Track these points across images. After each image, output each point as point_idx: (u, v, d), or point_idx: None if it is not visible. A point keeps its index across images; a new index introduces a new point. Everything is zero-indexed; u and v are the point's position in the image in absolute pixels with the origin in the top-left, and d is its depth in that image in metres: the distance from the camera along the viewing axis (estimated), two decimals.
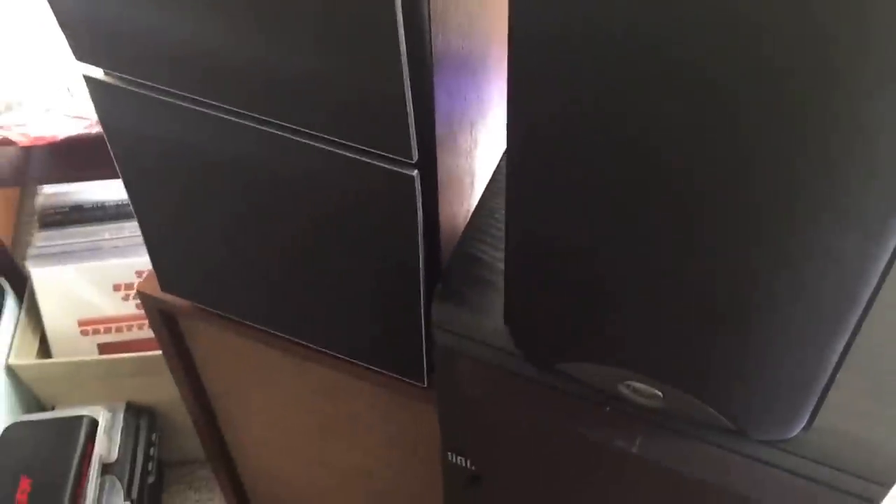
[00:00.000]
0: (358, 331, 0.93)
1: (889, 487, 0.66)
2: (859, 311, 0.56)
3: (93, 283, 1.53)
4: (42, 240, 1.53)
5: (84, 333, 1.56)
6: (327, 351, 0.97)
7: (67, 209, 1.57)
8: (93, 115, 1.31)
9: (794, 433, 0.66)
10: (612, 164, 0.54)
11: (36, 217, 1.57)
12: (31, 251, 1.53)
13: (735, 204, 0.51)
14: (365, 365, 0.96)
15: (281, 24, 0.66)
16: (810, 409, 0.64)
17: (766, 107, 0.46)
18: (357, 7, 0.62)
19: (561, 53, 0.51)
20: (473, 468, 0.84)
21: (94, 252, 1.53)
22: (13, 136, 1.34)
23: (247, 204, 0.84)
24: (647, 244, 0.58)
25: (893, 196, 0.47)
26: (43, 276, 1.51)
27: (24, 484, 1.33)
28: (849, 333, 0.58)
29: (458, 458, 0.85)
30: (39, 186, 1.60)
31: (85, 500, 1.35)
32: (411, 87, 0.67)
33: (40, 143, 1.36)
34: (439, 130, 0.74)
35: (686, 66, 0.46)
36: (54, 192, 1.59)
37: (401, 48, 0.63)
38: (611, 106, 0.51)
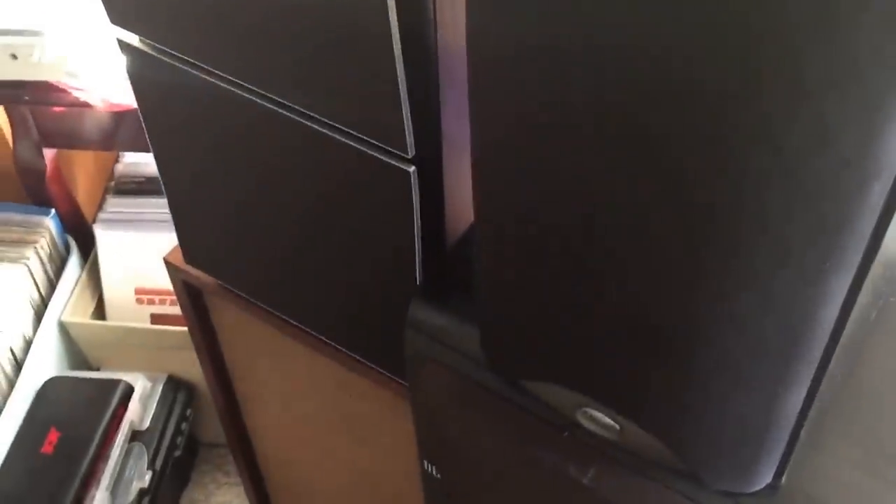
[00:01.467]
0: (360, 326, 0.94)
1: None
2: (809, 361, 0.53)
3: (154, 254, 1.59)
4: (114, 206, 1.60)
5: (139, 302, 1.61)
6: (334, 344, 0.98)
7: (143, 179, 1.63)
8: None
9: (756, 487, 0.64)
10: (562, 206, 0.54)
11: (113, 183, 1.64)
12: (102, 215, 1.60)
13: (669, 234, 0.50)
14: (368, 363, 0.97)
15: (293, 10, 0.68)
16: (770, 463, 0.62)
17: (698, 150, 0.45)
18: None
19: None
20: (440, 478, 0.84)
21: (160, 224, 1.59)
22: (93, 99, 1.41)
23: (261, 182, 0.87)
24: (593, 276, 0.57)
25: (826, 240, 0.45)
26: (108, 241, 1.58)
27: (53, 436, 1.39)
28: (802, 389, 0.56)
29: (431, 466, 0.85)
30: (122, 154, 1.68)
31: (108, 460, 1.40)
32: (407, 80, 0.67)
33: (118, 109, 1.43)
34: (447, 129, 0.74)
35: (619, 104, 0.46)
36: (134, 162, 1.66)
37: (393, 41, 0.64)
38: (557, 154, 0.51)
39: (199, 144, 0.88)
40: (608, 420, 0.66)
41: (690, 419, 0.60)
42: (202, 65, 0.80)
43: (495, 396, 0.72)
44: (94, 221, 1.61)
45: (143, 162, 1.66)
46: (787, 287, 0.48)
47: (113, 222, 1.59)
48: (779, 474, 0.64)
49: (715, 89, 0.41)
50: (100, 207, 1.63)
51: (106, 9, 0.81)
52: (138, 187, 1.63)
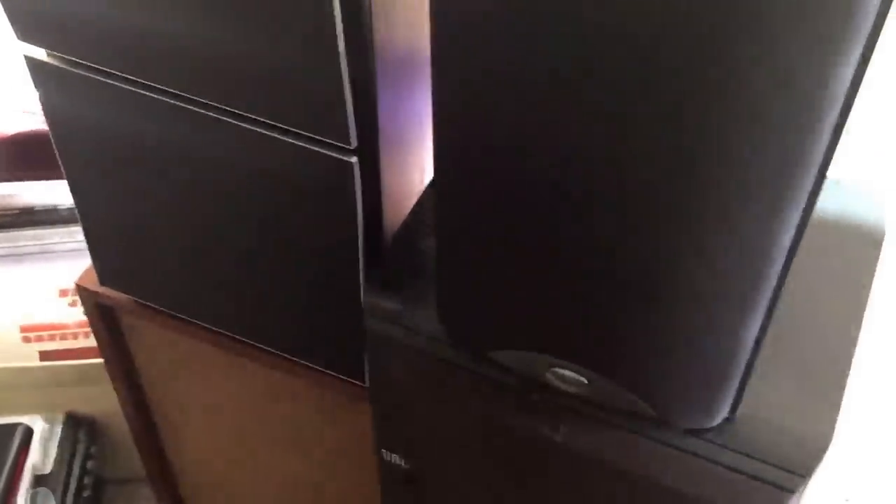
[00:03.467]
0: (298, 326, 0.97)
1: (808, 478, 0.71)
2: (768, 292, 0.61)
3: (38, 288, 1.57)
4: None
5: (26, 340, 1.59)
6: (268, 348, 1.02)
7: (17, 210, 1.61)
8: None
9: (716, 422, 0.71)
10: (526, 160, 0.61)
11: None
12: None
13: (636, 180, 0.57)
14: (306, 363, 1.01)
15: (221, 4, 0.72)
16: (730, 396, 0.70)
17: (669, 92, 0.52)
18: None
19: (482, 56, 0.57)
20: (407, 466, 0.89)
21: (41, 255, 1.57)
22: None
23: (185, 191, 0.89)
24: (561, 229, 0.63)
25: (789, 172, 0.53)
26: None
27: None
28: (761, 316, 0.64)
29: (393, 455, 0.89)
30: None
31: None
32: (349, 73, 0.72)
33: None
34: (383, 121, 0.79)
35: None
36: (3, 193, 1.63)
37: (337, 36, 0.69)
38: (525, 107, 0.58)
39: (118, 158, 0.90)
40: (577, 376, 0.72)
41: (658, 364, 0.68)
42: (122, 74, 0.82)
43: (462, 370, 0.78)
44: None
45: (12, 193, 1.64)
46: (752, 219, 0.55)
47: None
48: (734, 406, 0.72)
49: (687, 35, 0.49)
50: None
51: (13, 26, 0.82)
52: (12, 220, 1.61)
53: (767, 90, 0.48)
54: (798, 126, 0.50)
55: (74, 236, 1.60)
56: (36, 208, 1.61)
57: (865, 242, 0.84)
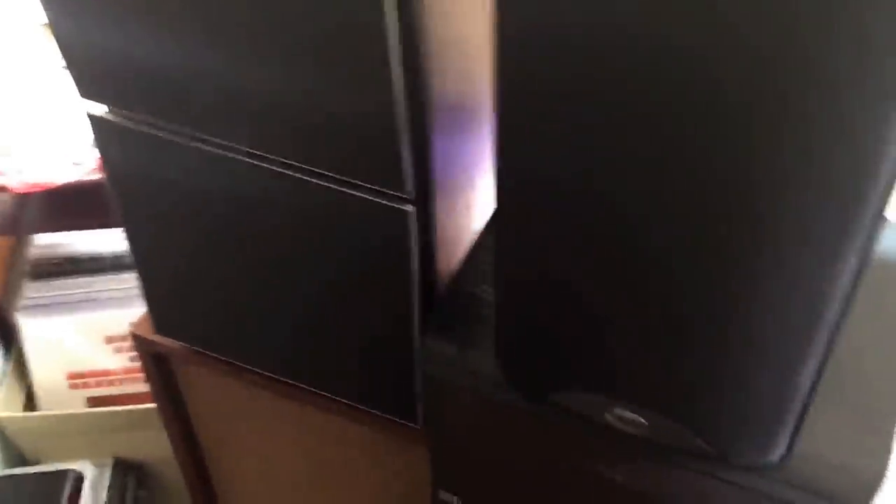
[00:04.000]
0: (353, 371, 1.00)
1: None
2: (826, 331, 0.64)
3: (84, 336, 1.61)
4: (33, 290, 1.62)
5: (73, 387, 1.63)
6: (323, 393, 1.05)
7: (61, 260, 1.65)
8: (91, 162, 1.41)
9: (774, 458, 0.73)
10: (592, 207, 0.63)
11: (28, 267, 1.65)
12: (22, 302, 1.61)
13: (700, 230, 0.60)
14: (361, 407, 1.03)
15: (280, 57, 0.75)
16: (788, 432, 0.72)
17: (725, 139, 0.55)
18: (354, 42, 0.71)
19: (547, 111, 0.60)
20: None
21: (87, 304, 1.61)
22: (10, 182, 1.44)
23: (245, 243, 0.93)
24: (625, 275, 0.66)
25: (843, 222, 0.56)
26: (32, 328, 1.59)
27: None
28: (820, 355, 0.66)
29: (450, 496, 0.92)
30: (33, 236, 1.69)
31: None
32: (408, 125, 0.75)
33: (37, 189, 1.46)
34: (437, 168, 0.83)
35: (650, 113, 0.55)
36: (48, 243, 1.67)
37: (394, 86, 0.72)
38: (589, 159, 0.61)
39: (176, 210, 0.94)
40: (636, 417, 0.75)
41: (717, 404, 0.70)
42: (181, 129, 0.86)
43: (520, 412, 0.80)
44: (14, 309, 1.62)
45: (56, 243, 1.68)
46: (810, 266, 0.58)
47: (36, 308, 1.60)
48: (791, 443, 0.74)
49: (756, 89, 0.51)
50: (17, 294, 1.64)
51: (77, 84, 0.86)
52: (56, 269, 1.65)
53: (829, 142, 0.51)
54: (856, 176, 0.52)
55: (119, 284, 1.64)
56: (80, 257, 1.66)
57: None
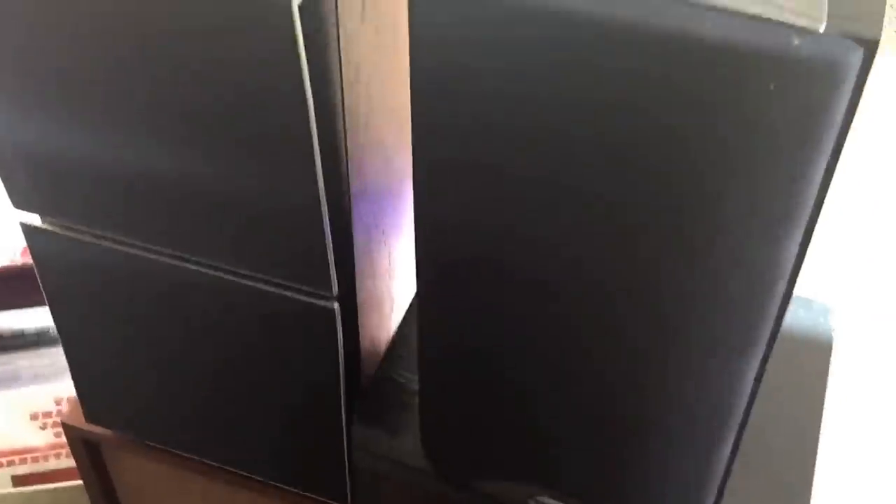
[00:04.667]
0: (284, 455, 1.02)
1: None
2: (737, 419, 0.68)
3: (8, 413, 1.59)
4: None
5: None
6: (255, 476, 1.06)
7: None
8: (19, 247, 1.41)
9: None
10: (509, 298, 0.66)
11: None
12: None
13: (613, 332, 0.63)
14: (293, 489, 1.05)
15: (203, 162, 0.77)
16: None
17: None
18: (279, 159, 0.73)
19: (463, 204, 0.63)
20: None
21: (10, 381, 1.60)
22: None
23: (174, 337, 0.94)
24: (544, 365, 0.69)
25: (746, 334, 0.60)
26: None
27: None
28: (733, 439, 0.70)
29: None
30: None
31: None
32: (331, 228, 0.78)
33: None
34: (358, 264, 0.85)
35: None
36: None
37: (321, 202, 0.74)
38: (508, 251, 0.64)
39: (108, 309, 0.95)
40: None
41: (637, 491, 0.73)
42: (113, 235, 0.87)
43: (448, 501, 0.82)
44: None
45: None
46: (717, 370, 0.62)
47: None
48: None
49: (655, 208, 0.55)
50: None
51: (10, 195, 0.87)
52: None
53: (727, 266, 0.55)
54: (751, 296, 0.56)
55: (42, 359, 1.63)
56: (3, 334, 1.64)
57: (816, 351, 0.91)
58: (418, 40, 0.56)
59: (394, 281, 0.98)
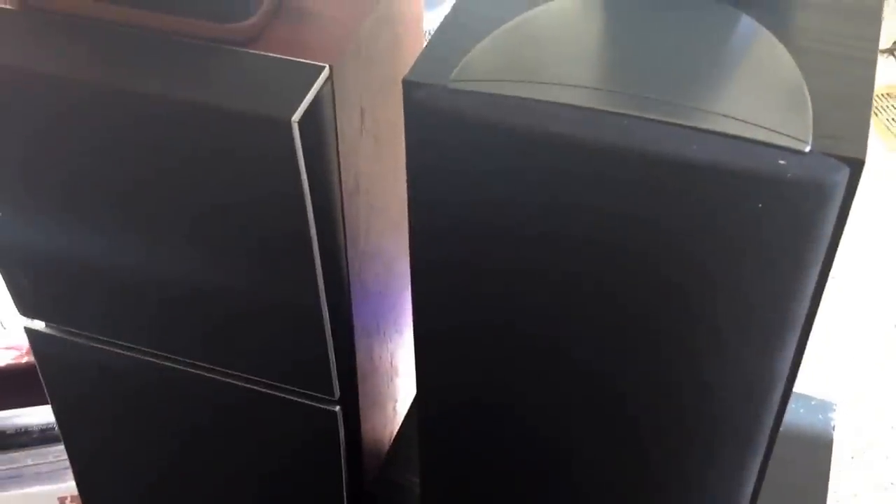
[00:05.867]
0: None
1: None
2: None
3: None
4: None
5: None
6: None
7: None
8: (24, 345, 1.41)
9: None
10: (512, 399, 0.66)
11: None
12: None
13: (616, 444, 0.63)
14: None
15: (205, 270, 0.77)
16: None
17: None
18: (281, 266, 0.74)
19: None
20: None
21: (14, 480, 1.58)
22: None
23: (176, 436, 0.94)
24: (545, 476, 0.69)
25: (743, 445, 0.59)
26: None
27: None
28: None
29: None
30: None
31: None
32: (332, 333, 0.78)
33: None
34: (360, 367, 0.85)
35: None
36: None
37: (322, 308, 0.75)
38: (507, 362, 0.64)
39: (111, 411, 0.95)
40: None
41: None
42: (115, 340, 0.87)
43: None
44: None
45: None
46: (715, 481, 0.61)
47: None
48: None
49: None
50: None
51: (16, 303, 0.87)
52: None
53: (719, 378, 0.55)
54: (748, 404, 0.56)
55: (46, 458, 1.61)
56: (7, 432, 1.63)
57: (817, 448, 0.90)
58: (414, 158, 0.56)
59: (396, 380, 0.97)
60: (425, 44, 0.61)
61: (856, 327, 1.78)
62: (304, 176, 0.66)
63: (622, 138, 0.45)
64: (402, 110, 0.55)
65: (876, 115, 2.03)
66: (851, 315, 1.79)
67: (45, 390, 0.96)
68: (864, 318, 1.80)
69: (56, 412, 0.98)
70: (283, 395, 0.84)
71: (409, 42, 0.81)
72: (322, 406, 0.83)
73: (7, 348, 1.40)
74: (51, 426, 1.49)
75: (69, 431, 1.00)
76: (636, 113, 0.46)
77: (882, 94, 2.08)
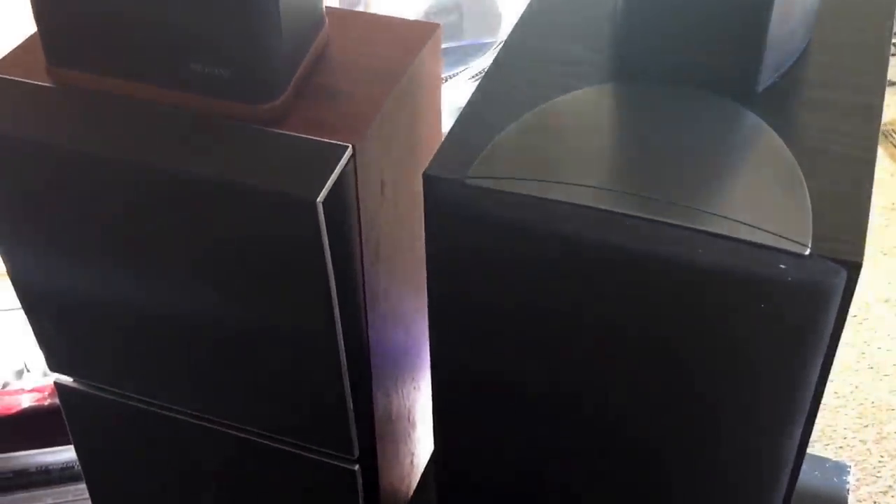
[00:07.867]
0: None
1: None
2: None
3: None
4: None
5: None
6: None
7: (11, 475, 1.66)
8: (46, 387, 1.44)
9: None
10: (528, 459, 0.69)
11: None
12: None
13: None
14: None
15: (229, 332, 0.80)
16: None
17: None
18: (303, 330, 0.77)
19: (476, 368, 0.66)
20: None
21: None
22: None
23: (196, 487, 0.97)
24: None
25: None
26: None
27: None
28: None
29: None
30: None
31: None
32: (351, 393, 0.81)
33: None
34: (378, 426, 0.88)
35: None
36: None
37: (342, 370, 0.78)
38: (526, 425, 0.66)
39: (134, 460, 0.98)
40: None
41: None
42: (141, 396, 0.90)
43: None
44: None
45: (6, 457, 1.69)
46: None
47: None
48: None
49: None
50: None
51: (47, 360, 0.91)
52: (7, 483, 1.65)
53: (728, 462, 0.58)
54: (758, 485, 0.58)
55: (66, 496, 1.65)
56: (29, 471, 1.66)
57: None
58: (432, 244, 0.59)
59: (413, 434, 1.00)
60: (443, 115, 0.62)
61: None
62: (328, 251, 0.69)
63: (630, 240, 0.48)
64: (420, 177, 0.58)
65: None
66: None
67: (71, 438, 0.99)
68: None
69: (80, 458, 1.01)
70: (302, 452, 0.86)
71: (428, 110, 0.84)
72: (341, 465, 0.86)
73: (30, 391, 1.44)
74: (71, 465, 1.53)
75: (92, 476, 1.03)
76: (644, 215, 0.49)
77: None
